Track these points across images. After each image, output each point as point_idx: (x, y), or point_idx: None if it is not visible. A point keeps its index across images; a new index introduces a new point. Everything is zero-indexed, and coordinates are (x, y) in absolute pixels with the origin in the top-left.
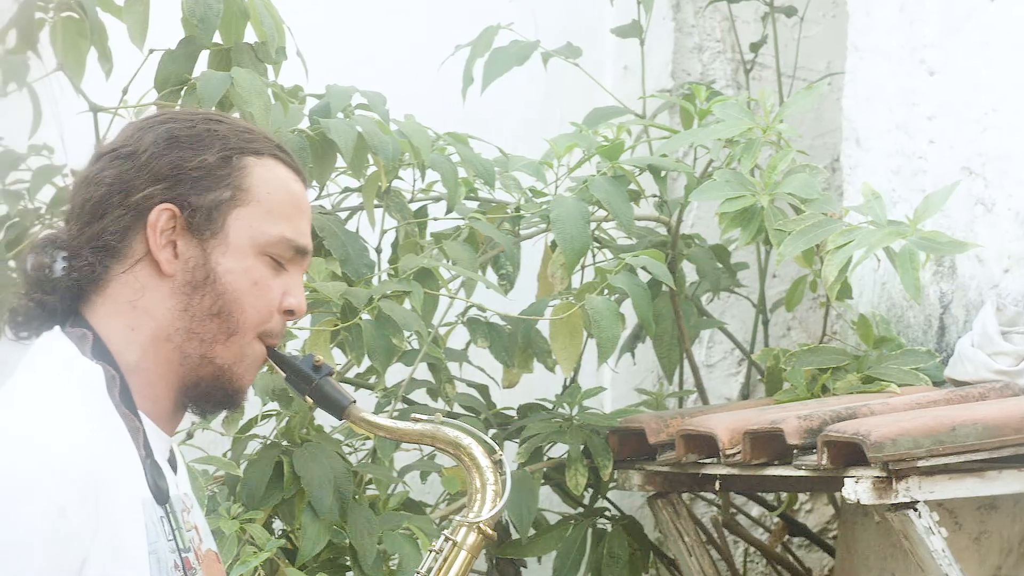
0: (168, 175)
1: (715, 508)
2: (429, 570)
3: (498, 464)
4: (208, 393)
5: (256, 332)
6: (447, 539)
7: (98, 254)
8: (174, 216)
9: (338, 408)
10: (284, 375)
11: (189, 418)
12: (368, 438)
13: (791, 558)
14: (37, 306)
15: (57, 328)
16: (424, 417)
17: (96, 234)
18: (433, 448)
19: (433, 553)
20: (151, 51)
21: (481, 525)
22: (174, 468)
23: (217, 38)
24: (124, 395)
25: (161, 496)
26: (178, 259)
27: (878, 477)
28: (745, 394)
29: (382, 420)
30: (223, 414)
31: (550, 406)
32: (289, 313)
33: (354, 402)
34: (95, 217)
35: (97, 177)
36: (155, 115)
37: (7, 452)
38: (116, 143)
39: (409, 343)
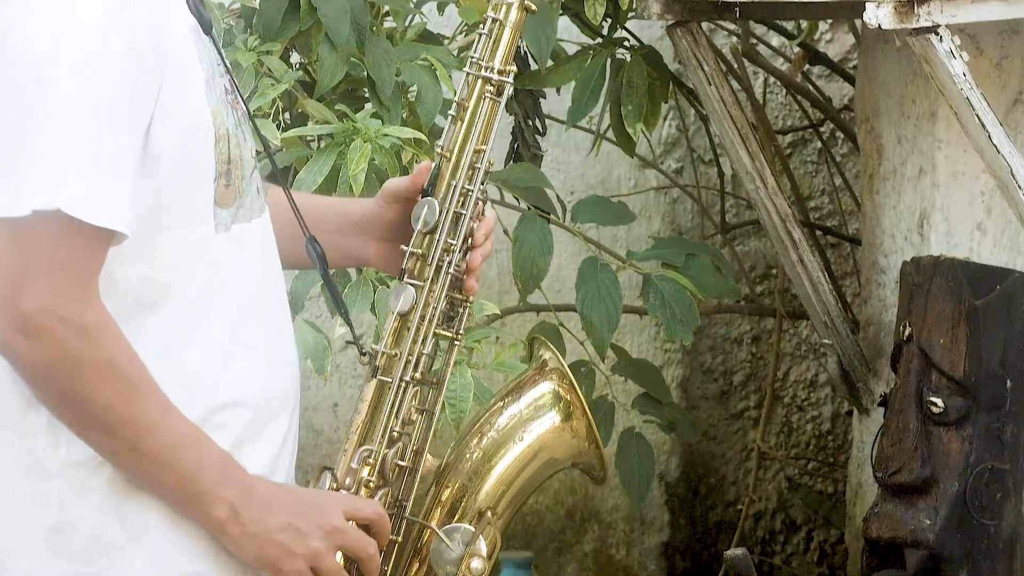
0: None
1: (735, 37)
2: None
3: None
4: None
5: None
6: (493, 20)
7: None
8: None
9: None
10: None
11: None
12: None
13: (811, 87)
14: None
15: None
16: None
17: None
18: None
19: (482, 36)
20: None
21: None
22: None
23: None
24: None
25: (206, 24)
26: None
27: (900, 1)
28: None
29: None
30: None
31: None
32: None
33: None
34: None
35: None
36: None
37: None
38: None
39: None
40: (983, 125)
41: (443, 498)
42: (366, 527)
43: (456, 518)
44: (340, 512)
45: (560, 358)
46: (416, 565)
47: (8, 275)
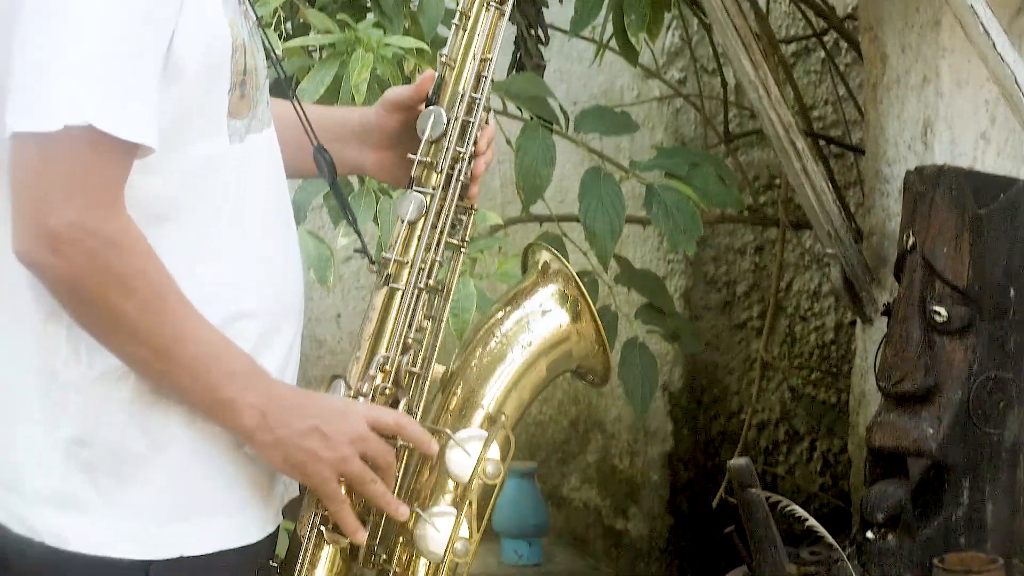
0: None
1: None
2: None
3: None
4: None
5: None
6: None
7: None
8: None
9: None
10: None
11: None
12: None
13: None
14: None
15: None
16: None
17: None
18: None
19: None
20: None
21: None
22: None
23: None
24: None
25: None
26: None
27: None
28: None
29: None
30: None
31: None
32: None
33: None
34: None
35: None
36: None
37: None
38: None
39: None
40: (987, 33)
41: (451, 405)
42: (384, 435)
43: (465, 423)
44: (364, 419)
45: (561, 258)
46: (427, 472)
47: (35, 191)
